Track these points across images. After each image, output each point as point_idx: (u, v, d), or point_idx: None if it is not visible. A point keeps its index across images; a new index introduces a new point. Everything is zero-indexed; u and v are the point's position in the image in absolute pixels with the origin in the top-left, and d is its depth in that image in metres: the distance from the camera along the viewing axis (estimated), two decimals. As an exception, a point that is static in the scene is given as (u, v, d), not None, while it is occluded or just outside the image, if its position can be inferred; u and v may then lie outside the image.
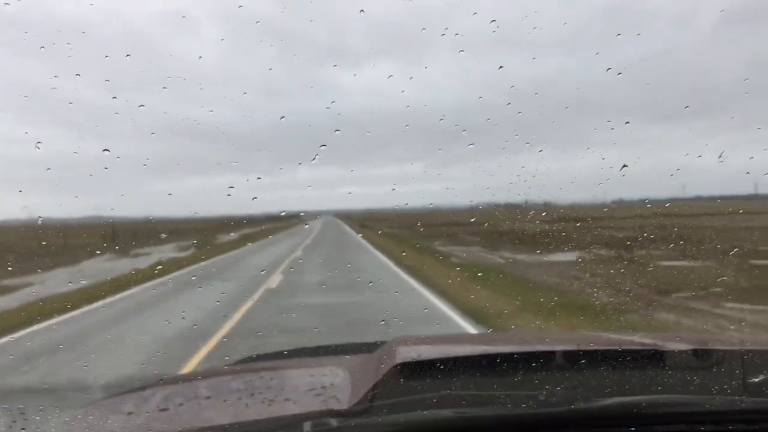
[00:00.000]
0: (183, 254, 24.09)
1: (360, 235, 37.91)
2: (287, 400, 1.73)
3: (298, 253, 25.37)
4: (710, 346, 1.89)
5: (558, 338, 2.70)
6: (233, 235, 28.03)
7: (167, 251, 24.36)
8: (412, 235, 30.82)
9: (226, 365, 4.01)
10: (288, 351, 2.85)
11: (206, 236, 30.03)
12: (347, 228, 47.97)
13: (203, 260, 22.40)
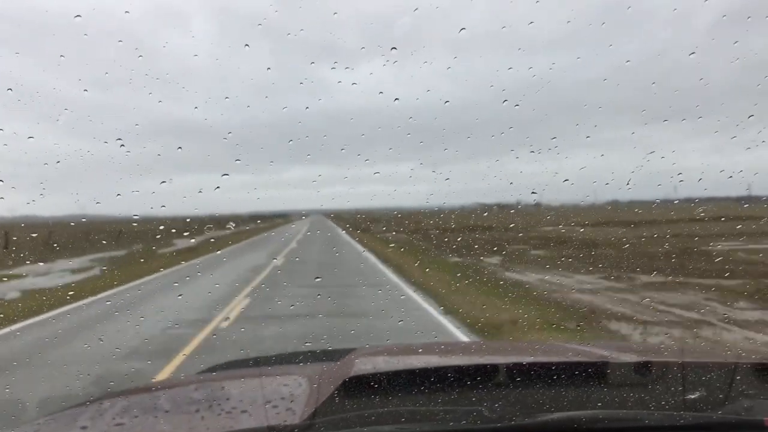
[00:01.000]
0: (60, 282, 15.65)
1: (361, 246, 25.76)
2: (244, 412, 1.74)
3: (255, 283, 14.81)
4: (651, 358, 1.91)
5: (505, 349, 2.72)
6: (192, 242, 21.59)
7: (48, 272, 17.26)
8: (435, 247, 22.19)
9: (193, 374, 4.00)
10: (257, 359, 2.86)
11: (150, 243, 24.25)
12: (340, 232, 37.38)
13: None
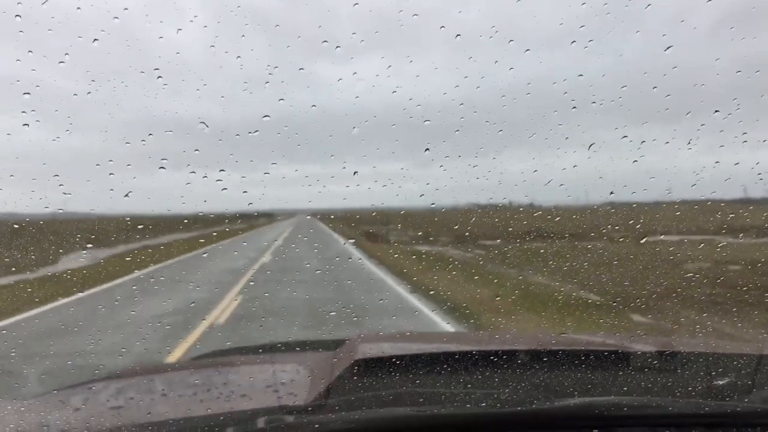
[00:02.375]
0: None
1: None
2: (243, 396, 1.71)
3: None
4: (675, 348, 1.87)
5: (521, 338, 2.70)
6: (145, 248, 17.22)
7: None
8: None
9: (186, 360, 3.95)
10: (251, 347, 2.84)
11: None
12: (337, 237, 26.05)
13: None
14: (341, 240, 24.49)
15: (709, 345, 2.19)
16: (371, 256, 18.11)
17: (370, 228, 24.98)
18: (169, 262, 17.76)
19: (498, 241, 18.34)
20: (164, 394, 1.84)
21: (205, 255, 20.50)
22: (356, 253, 19.14)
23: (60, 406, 1.75)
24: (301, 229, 32.31)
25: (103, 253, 15.46)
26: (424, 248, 19.51)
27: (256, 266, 16.36)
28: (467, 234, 18.84)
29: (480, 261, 16.65)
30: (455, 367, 1.66)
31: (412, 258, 17.81)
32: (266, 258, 18.59)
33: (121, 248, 16.35)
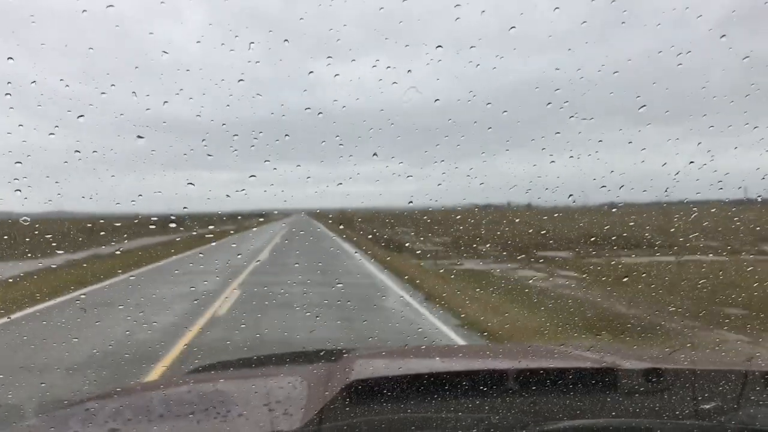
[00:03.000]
0: None
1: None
2: (240, 416, 1.70)
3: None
4: (662, 366, 1.89)
5: (512, 354, 2.70)
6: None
7: None
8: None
9: (184, 373, 3.94)
10: (246, 359, 2.83)
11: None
12: (348, 248, 20.05)
13: None
14: (351, 249, 17.71)
15: (695, 361, 2.22)
16: (407, 280, 12.29)
17: (375, 230, 18.61)
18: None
19: (567, 252, 13.64)
20: (162, 416, 1.83)
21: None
22: (385, 280, 12.65)
23: (58, 428, 1.73)
24: (295, 234, 26.19)
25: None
26: (470, 266, 14.02)
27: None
28: (514, 242, 13.94)
29: (586, 293, 10.89)
30: (446, 391, 1.67)
31: (472, 287, 11.79)
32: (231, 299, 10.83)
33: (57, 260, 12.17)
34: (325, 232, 25.65)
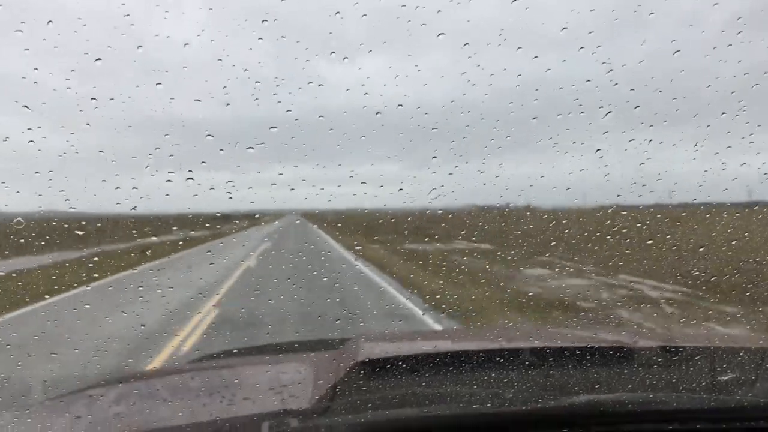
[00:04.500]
0: None
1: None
2: (246, 399, 1.69)
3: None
4: (678, 343, 1.87)
5: (524, 335, 2.69)
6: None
7: None
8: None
9: (186, 362, 3.94)
10: (251, 348, 2.81)
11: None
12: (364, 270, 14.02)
13: None
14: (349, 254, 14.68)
15: (712, 339, 2.21)
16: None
17: (376, 236, 14.80)
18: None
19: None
20: (167, 400, 1.82)
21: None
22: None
23: (61, 414, 1.72)
24: (287, 239, 23.52)
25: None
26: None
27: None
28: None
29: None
30: (460, 367, 1.66)
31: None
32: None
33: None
34: (321, 235, 24.48)
